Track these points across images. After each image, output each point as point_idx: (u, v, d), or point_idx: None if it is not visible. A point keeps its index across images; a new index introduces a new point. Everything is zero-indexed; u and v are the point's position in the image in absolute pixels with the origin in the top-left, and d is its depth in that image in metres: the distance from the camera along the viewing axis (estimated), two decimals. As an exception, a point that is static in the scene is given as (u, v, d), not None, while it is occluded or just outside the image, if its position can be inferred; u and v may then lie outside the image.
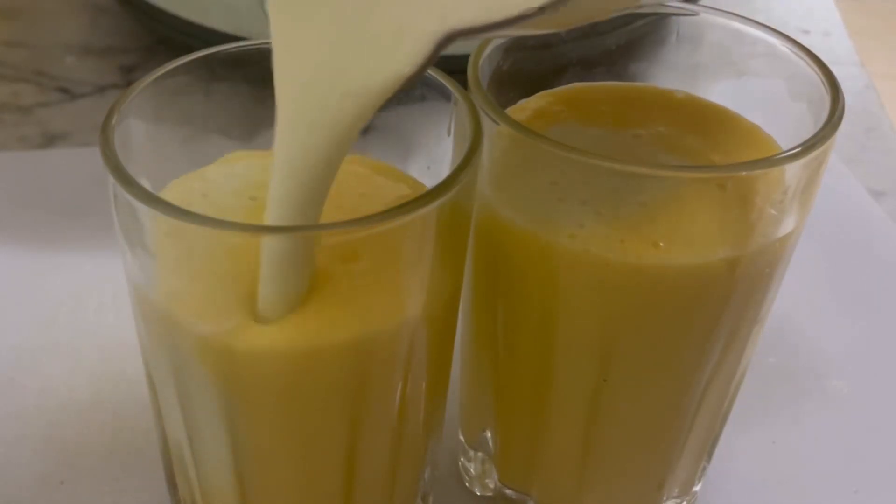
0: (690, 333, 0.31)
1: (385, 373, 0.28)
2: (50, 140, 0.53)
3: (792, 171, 0.28)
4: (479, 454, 0.37)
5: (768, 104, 0.33)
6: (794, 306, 0.44)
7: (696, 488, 0.37)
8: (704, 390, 0.32)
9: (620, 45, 0.35)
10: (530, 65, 0.33)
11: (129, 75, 0.58)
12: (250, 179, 0.30)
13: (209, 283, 0.27)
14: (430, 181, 0.31)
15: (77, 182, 0.49)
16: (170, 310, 0.27)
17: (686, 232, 0.29)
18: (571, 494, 0.35)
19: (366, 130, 0.25)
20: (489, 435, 0.36)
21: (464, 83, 0.30)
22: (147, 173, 0.29)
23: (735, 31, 0.33)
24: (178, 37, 0.55)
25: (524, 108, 0.33)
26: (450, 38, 0.19)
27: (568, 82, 0.34)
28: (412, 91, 0.31)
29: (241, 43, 0.31)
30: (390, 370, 0.28)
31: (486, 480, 0.37)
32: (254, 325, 0.26)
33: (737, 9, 0.34)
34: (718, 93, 0.34)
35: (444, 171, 0.28)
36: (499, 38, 0.32)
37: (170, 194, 0.29)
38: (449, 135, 0.30)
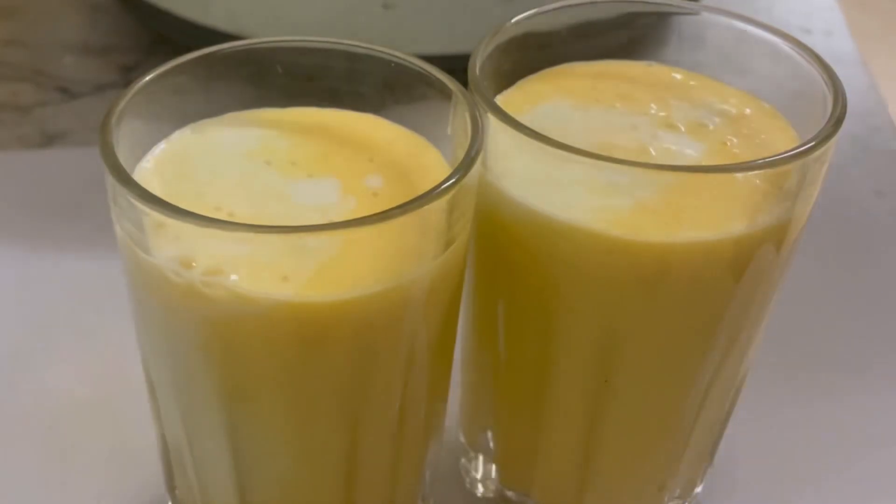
0: (692, 331, 0.30)
1: (385, 372, 0.28)
2: (49, 140, 0.53)
3: (793, 171, 0.28)
4: (480, 455, 0.37)
5: (770, 104, 0.33)
6: (796, 306, 0.44)
7: (698, 489, 0.36)
8: (706, 391, 0.32)
9: (621, 45, 0.35)
10: (530, 64, 0.33)
11: (128, 74, 0.58)
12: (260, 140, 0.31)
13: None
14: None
15: (76, 182, 0.48)
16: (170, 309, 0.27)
17: (688, 229, 0.28)
18: (572, 496, 0.35)
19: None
20: (490, 436, 0.36)
21: (464, 82, 0.30)
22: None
23: (736, 30, 0.33)
24: (177, 36, 0.55)
25: (521, 89, 0.33)
26: None
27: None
28: (413, 90, 0.31)
29: (241, 42, 0.31)
30: (391, 369, 0.28)
31: (487, 481, 0.37)
32: (251, 308, 0.26)
33: (738, 8, 0.34)
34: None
35: (444, 171, 0.28)
36: (499, 38, 0.32)
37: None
38: (449, 133, 0.30)
